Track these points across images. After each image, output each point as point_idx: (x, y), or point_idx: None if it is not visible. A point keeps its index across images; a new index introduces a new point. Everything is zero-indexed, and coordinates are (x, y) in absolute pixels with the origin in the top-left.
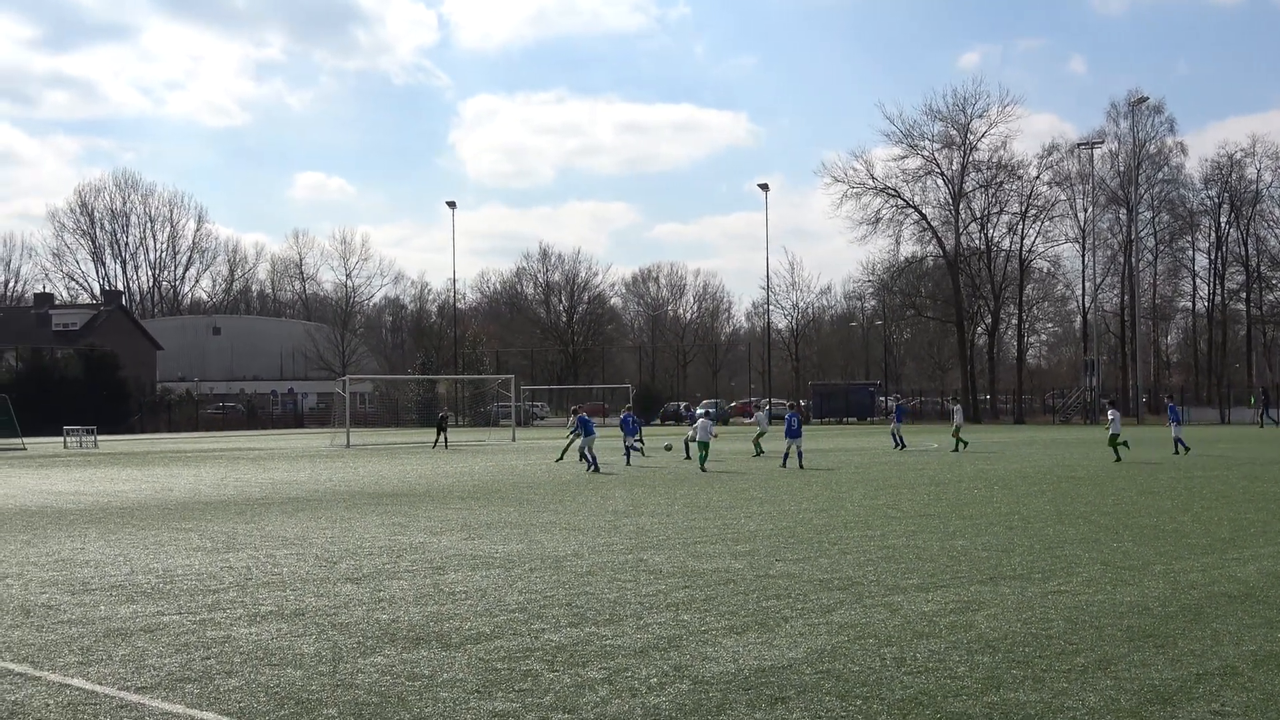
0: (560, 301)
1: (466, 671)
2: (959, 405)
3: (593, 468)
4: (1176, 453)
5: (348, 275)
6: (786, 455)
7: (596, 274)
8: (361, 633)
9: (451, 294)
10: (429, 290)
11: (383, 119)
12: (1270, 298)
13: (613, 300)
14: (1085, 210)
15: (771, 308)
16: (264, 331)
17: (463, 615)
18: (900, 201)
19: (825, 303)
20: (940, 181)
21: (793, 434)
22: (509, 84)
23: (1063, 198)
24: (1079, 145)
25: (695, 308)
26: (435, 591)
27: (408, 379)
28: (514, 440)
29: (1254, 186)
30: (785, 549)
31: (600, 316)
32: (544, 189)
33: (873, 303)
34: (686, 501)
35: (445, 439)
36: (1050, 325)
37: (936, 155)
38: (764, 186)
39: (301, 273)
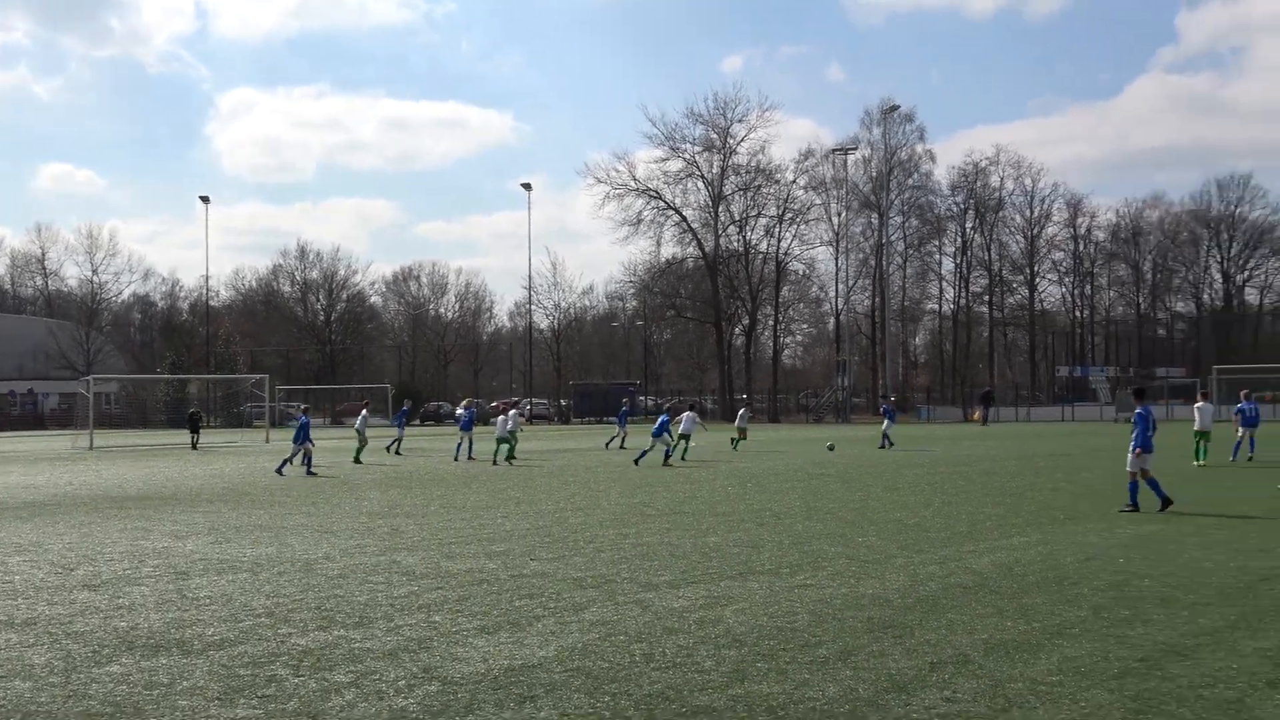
0: (318, 300)
1: (207, 679)
2: (746, 408)
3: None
4: (882, 447)
5: (94, 271)
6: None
7: (356, 272)
8: (97, 641)
9: (204, 291)
10: (180, 287)
11: (136, 110)
12: (1011, 301)
13: (373, 299)
14: (839, 214)
15: (534, 307)
16: (1, 330)
17: (206, 621)
18: (661, 203)
19: (587, 303)
20: (700, 184)
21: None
22: (269, 77)
23: (818, 202)
24: (834, 151)
25: (457, 307)
26: (178, 597)
27: (156, 379)
28: (268, 441)
29: (997, 194)
30: (540, 548)
31: (359, 315)
32: (304, 185)
33: (634, 303)
34: (443, 502)
35: (196, 438)
36: (805, 326)
37: (697, 158)
38: (527, 186)
39: (44, 268)
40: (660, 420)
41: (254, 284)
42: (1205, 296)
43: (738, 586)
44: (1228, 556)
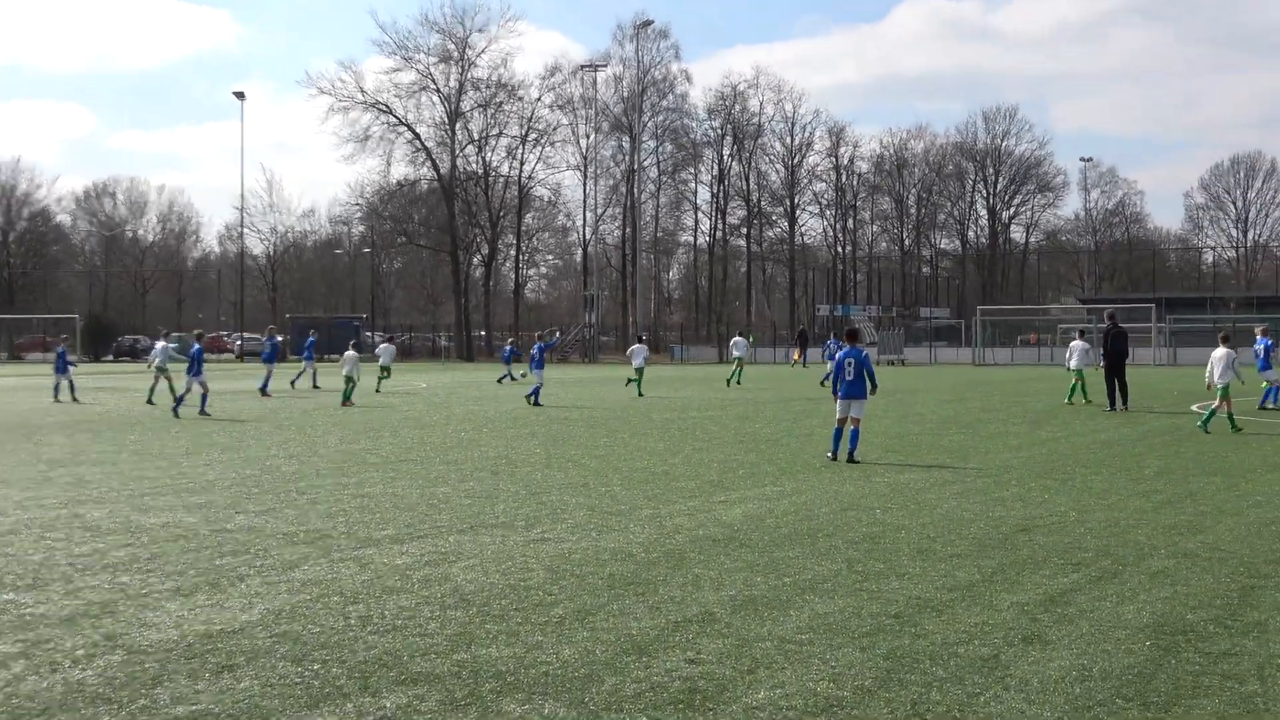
0: None
1: None
2: (643, 344)
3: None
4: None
5: None
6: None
7: (40, 186)
8: None
9: None
10: None
11: None
12: (770, 234)
13: (59, 218)
14: (588, 136)
15: (247, 230)
16: None
17: None
18: (392, 119)
19: (308, 227)
20: (436, 99)
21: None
22: None
23: (565, 122)
24: (583, 68)
25: (159, 229)
26: None
27: None
28: None
29: (756, 119)
30: (248, 500)
31: (43, 236)
32: None
33: (361, 229)
34: (137, 449)
35: None
36: (550, 257)
37: (433, 70)
38: (240, 95)
39: None
40: (538, 348)
41: None
42: (971, 234)
43: (468, 541)
44: (986, 506)
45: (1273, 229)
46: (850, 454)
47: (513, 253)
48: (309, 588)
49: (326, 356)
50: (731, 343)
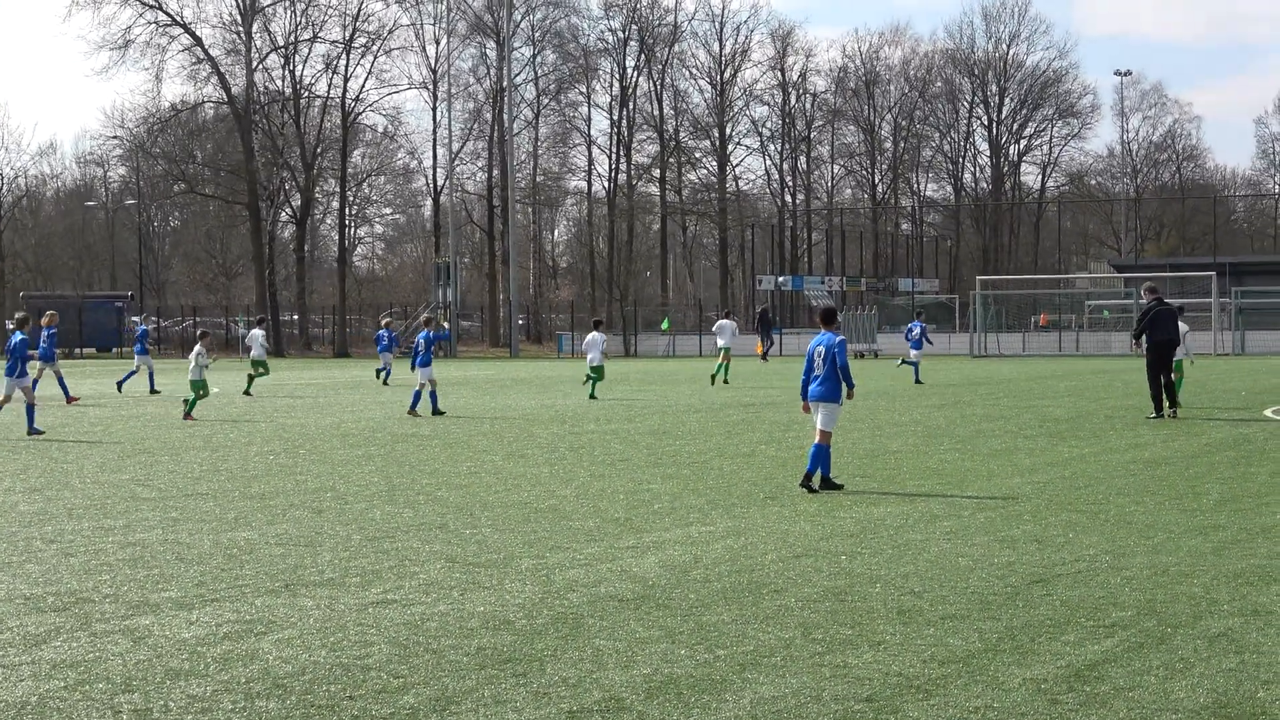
0: None
1: None
2: (599, 332)
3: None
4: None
5: None
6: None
7: None
8: None
9: None
10: None
11: None
12: (693, 178)
13: None
14: (438, 42)
15: None
16: None
17: None
18: (163, 17)
19: (48, 169)
20: None
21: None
22: None
23: (406, 22)
24: None
25: None
26: None
27: None
28: None
29: (671, 18)
30: None
31: None
32: None
33: (122, 171)
34: None
35: None
36: (389, 211)
37: None
38: None
39: None
40: (422, 339)
41: None
42: (968, 176)
43: (282, 605)
44: (989, 550)
45: None
46: (807, 478)
47: (335, 205)
48: (63, 671)
49: (76, 352)
50: (715, 327)
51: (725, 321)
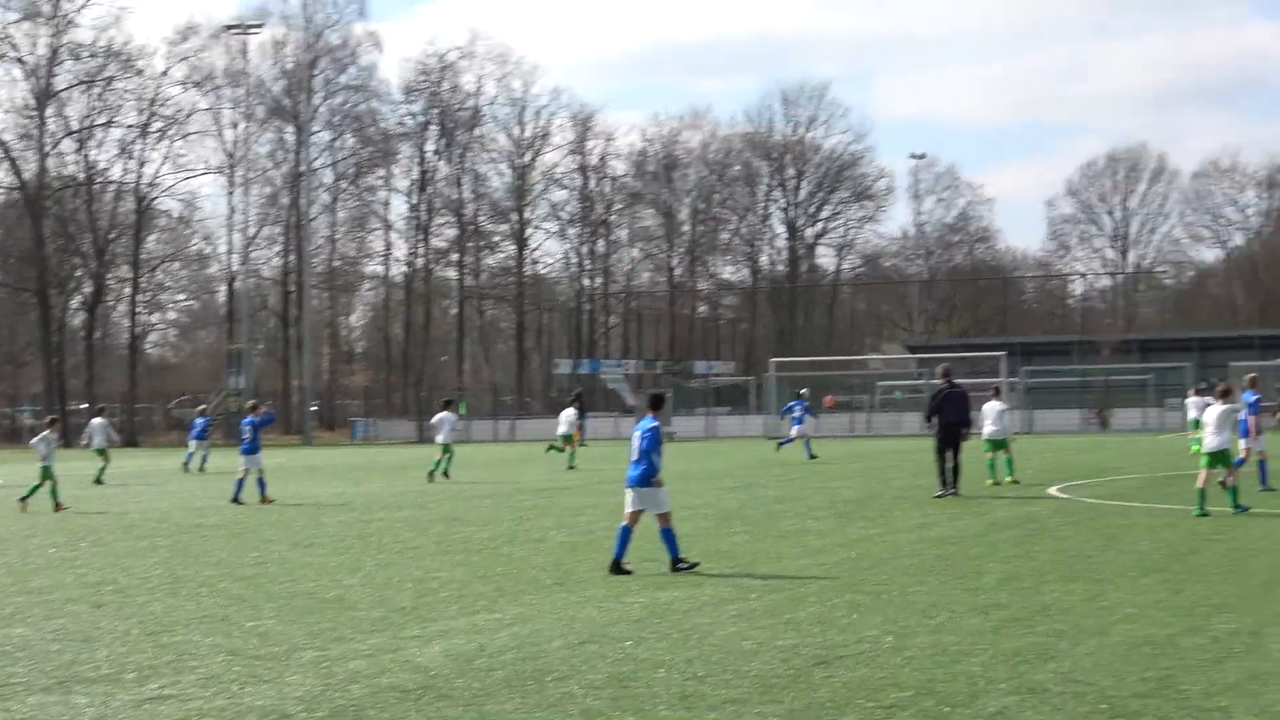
0: None
1: None
2: (574, 408)
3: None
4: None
5: None
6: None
7: None
8: None
9: None
10: None
11: None
12: (491, 261)
13: None
14: (236, 126)
15: None
16: None
17: None
18: None
19: None
20: (17, 72)
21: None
22: None
23: (204, 106)
24: (229, 29)
25: None
26: None
27: None
28: None
29: (472, 102)
30: None
31: None
32: None
33: None
34: None
35: None
36: (182, 298)
37: (11, 30)
38: None
39: None
40: (248, 424)
41: None
42: (765, 258)
43: (54, 704)
44: (774, 632)
45: (1160, 249)
46: (674, 562)
47: (128, 291)
48: None
49: None
50: (561, 415)
51: (567, 410)
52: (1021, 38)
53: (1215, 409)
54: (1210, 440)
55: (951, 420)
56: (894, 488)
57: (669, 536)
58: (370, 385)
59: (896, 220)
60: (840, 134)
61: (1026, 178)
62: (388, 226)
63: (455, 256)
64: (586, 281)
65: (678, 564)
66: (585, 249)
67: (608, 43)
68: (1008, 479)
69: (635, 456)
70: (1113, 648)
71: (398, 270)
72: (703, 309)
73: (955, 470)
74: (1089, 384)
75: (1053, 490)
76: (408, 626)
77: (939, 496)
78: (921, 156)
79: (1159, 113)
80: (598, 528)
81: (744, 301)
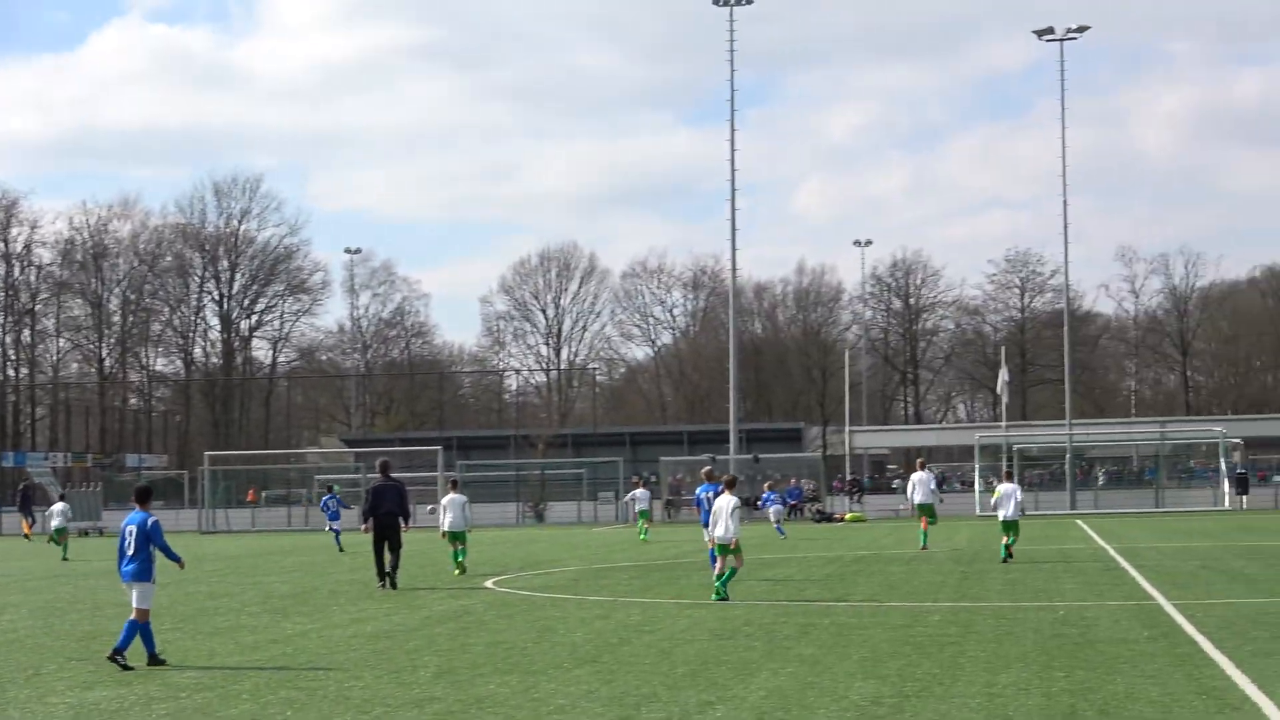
0: None
1: None
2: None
3: None
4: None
5: None
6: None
7: None
8: None
9: None
10: None
11: None
12: None
13: None
14: None
15: None
16: None
17: None
18: None
19: None
20: None
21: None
22: None
23: None
24: None
25: None
26: None
27: None
28: None
29: None
30: None
31: None
32: None
33: None
34: None
35: None
36: None
37: None
38: None
39: None
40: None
41: None
42: (199, 351)
43: None
44: None
45: (592, 346)
46: (117, 652)
47: None
48: None
49: None
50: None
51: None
52: (455, 134)
53: (725, 499)
54: (720, 531)
55: (381, 513)
56: (331, 581)
57: (146, 631)
58: None
59: (333, 314)
60: (275, 226)
61: (464, 273)
62: None
63: None
64: (11, 372)
65: (149, 660)
66: (9, 338)
67: (34, 123)
68: (455, 572)
69: (132, 551)
70: None
71: None
72: (134, 401)
73: (395, 562)
74: (525, 477)
75: (489, 583)
76: None
77: (381, 589)
78: (357, 251)
79: (589, 213)
80: (23, 628)
81: (177, 394)
